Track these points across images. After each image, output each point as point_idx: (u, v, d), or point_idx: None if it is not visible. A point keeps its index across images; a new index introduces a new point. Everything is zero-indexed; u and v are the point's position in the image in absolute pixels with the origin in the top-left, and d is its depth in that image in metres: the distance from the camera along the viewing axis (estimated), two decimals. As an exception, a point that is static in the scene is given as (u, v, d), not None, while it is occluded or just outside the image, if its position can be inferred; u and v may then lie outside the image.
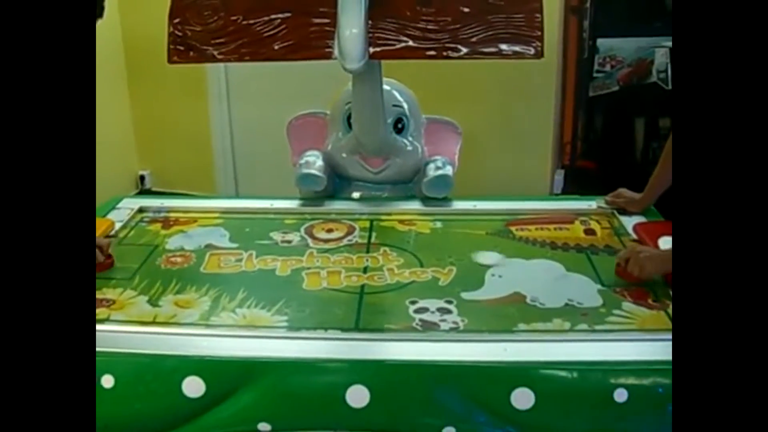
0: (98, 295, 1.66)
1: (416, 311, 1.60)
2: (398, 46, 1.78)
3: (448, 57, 1.78)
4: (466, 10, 1.79)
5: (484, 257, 1.86)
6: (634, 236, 1.96)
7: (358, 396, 1.34)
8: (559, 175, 4.19)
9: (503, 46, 1.76)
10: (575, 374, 1.36)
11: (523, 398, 1.33)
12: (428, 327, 1.54)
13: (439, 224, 2.13)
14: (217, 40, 1.80)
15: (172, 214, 2.22)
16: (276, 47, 1.80)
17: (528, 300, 1.63)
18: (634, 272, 1.68)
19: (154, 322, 1.58)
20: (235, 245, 1.98)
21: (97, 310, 1.60)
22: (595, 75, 4.03)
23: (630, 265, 1.69)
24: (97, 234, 1.95)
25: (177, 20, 1.86)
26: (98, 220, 2.05)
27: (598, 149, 4.27)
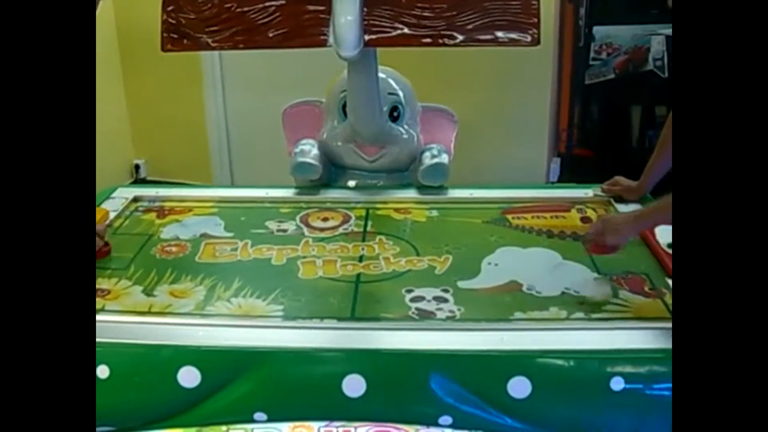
0: (93, 285, 1.66)
1: (412, 300, 1.59)
2: (393, 34, 1.77)
3: (443, 44, 1.77)
4: (462, -4, 1.78)
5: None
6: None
7: (354, 385, 1.34)
8: (555, 163, 4.19)
9: (499, 34, 1.75)
10: (572, 362, 1.36)
11: (519, 387, 1.33)
12: (424, 316, 1.54)
13: (435, 212, 2.12)
14: (211, 28, 1.79)
15: (166, 204, 2.21)
16: (270, 35, 1.79)
17: (524, 288, 1.63)
18: (612, 242, 1.66)
19: (149, 312, 1.57)
20: (230, 234, 1.97)
21: (92, 300, 1.60)
22: (591, 63, 4.02)
23: (607, 235, 1.66)
24: (91, 223, 1.95)
25: (170, 8, 1.84)
26: (93, 210, 2.05)
27: (594, 137, 4.27)
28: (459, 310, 1.55)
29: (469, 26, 1.76)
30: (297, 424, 1.44)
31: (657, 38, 3.82)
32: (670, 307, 1.52)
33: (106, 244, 1.82)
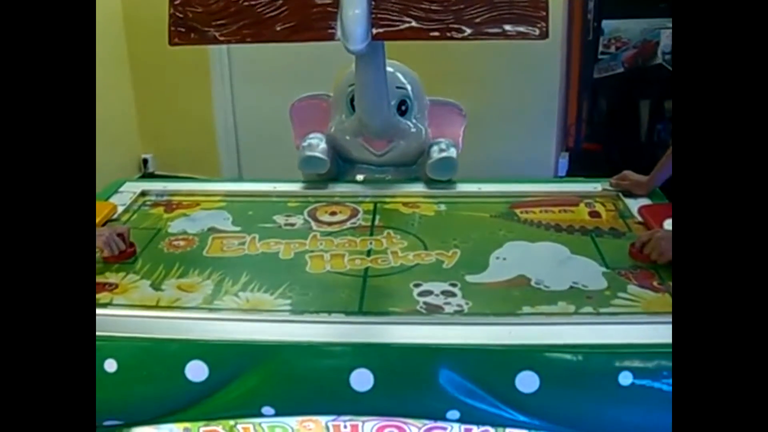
0: (101, 279, 1.66)
1: (420, 294, 1.59)
2: (401, 27, 1.76)
3: (452, 38, 1.76)
4: (471, -11, 1.77)
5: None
6: (639, 218, 1.95)
7: (362, 379, 1.34)
8: (564, 157, 4.18)
9: (508, 27, 1.74)
10: (580, 357, 1.35)
11: (527, 381, 1.33)
12: (432, 310, 1.53)
13: (443, 207, 2.12)
14: (219, 22, 1.79)
15: (174, 198, 2.21)
16: (278, 28, 1.78)
17: (533, 283, 1.63)
18: (652, 256, 1.68)
19: (157, 306, 1.57)
20: (238, 228, 1.97)
21: (100, 294, 1.60)
22: (600, 57, 4.02)
23: (648, 247, 1.69)
24: (99, 218, 1.95)
25: (178, 2, 1.84)
26: (101, 204, 2.05)
27: (602, 131, 4.26)
28: (467, 304, 1.55)
29: (478, 19, 1.75)
30: (305, 418, 1.44)
31: (666, 32, 3.81)
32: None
33: (131, 244, 1.81)
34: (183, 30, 1.81)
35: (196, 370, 1.37)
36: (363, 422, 1.44)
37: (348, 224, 1.99)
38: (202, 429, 1.47)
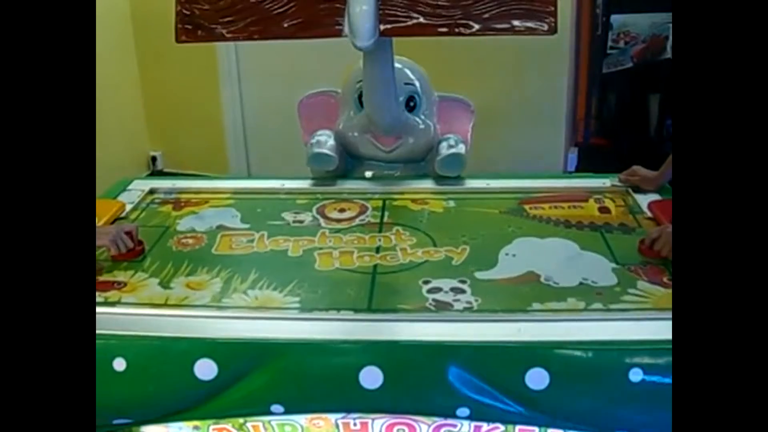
0: (109, 278, 1.67)
1: (429, 291, 1.59)
2: (409, 23, 1.75)
3: (460, 33, 1.75)
4: (478, -15, 1.76)
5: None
6: (649, 214, 1.95)
7: (371, 377, 1.34)
8: (573, 152, 4.17)
9: (516, 22, 1.74)
10: (590, 354, 1.35)
11: (537, 378, 1.32)
12: (442, 307, 1.53)
13: (452, 203, 2.11)
14: (226, 19, 1.78)
15: (183, 195, 2.21)
16: (285, 25, 1.78)
17: (542, 279, 1.62)
18: (662, 252, 1.66)
19: (165, 305, 1.57)
20: (246, 226, 1.97)
21: (109, 293, 1.60)
22: (608, 51, 4.01)
23: (659, 243, 1.67)
24: (107, 216, 1.95)
25: (185, -1, 1.84)
26: (109, 202, 2.05)
27: (611, 127, 4.25)
28: (476, 301, 1.54)
29: (486, 15, 1.74)
30: (314, 416, 1.44)
31: (675, 26, 3.79)
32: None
33: (140, 242, 1.81)
34: (190, 27, 1.81)
35: (205, 369, 1.36)
36: (372, 420, 1.44)
37: (357, 221, 1.99)
38: (211, 427, 1.47)
